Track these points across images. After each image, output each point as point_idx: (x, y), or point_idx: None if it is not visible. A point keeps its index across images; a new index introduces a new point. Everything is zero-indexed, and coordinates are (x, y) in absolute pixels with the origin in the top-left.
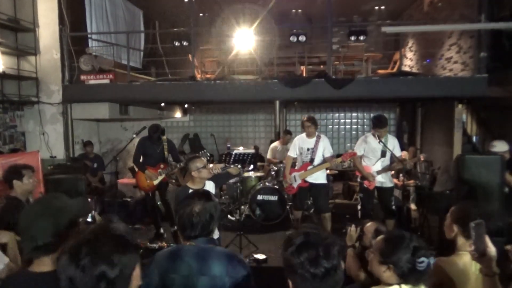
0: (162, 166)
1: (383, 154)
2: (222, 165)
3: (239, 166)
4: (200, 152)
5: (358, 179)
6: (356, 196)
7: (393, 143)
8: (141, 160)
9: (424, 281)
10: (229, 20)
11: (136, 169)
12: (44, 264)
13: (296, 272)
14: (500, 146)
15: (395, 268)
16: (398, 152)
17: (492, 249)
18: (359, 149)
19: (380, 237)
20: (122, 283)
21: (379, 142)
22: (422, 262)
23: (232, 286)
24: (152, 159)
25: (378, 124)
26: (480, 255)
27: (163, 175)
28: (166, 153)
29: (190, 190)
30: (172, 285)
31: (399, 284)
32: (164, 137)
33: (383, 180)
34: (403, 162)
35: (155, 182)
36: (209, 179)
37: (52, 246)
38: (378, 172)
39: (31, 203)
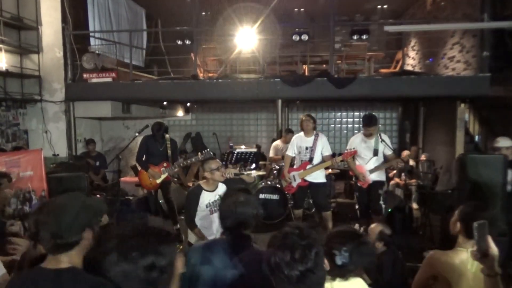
0: (165, 164)
1: (376, 153)
2: (236, 170)
3: (253, 175)
4: (204, 152)
5: (354, 179)
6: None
7: (386, 141)
8: (144, 159)
9: (343, 275)
10: (231, 19)
11: (139, 168)
12: (60, 261)
13: (274, 274)
14: (503, 142)
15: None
16: (389, 150)
17: (494, 249)
18: (350, 146)
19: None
20: (170, 270)
21: (381, 141)
22: (334, 254)
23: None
24: (155, 157)
25: (367, 123)
26: (482, 255)
27: (166, 174)
28: (169, 152)
29: (203, 191)
30: (203, 276)
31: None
32: (168, 136)
33: (376, 178)
34: (397, 159)
35: (158, 181)
36: (222, 182)
37: (74, 243)
38: (371, 171)
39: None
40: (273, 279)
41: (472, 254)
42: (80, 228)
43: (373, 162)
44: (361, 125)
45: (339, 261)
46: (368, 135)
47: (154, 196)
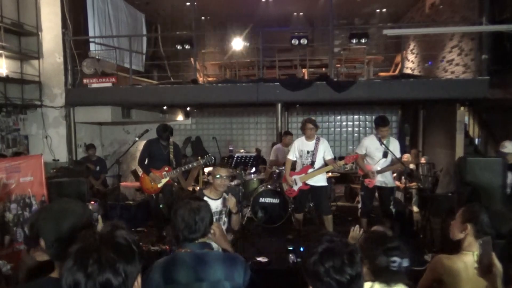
0: (166, 168)
1: (385, 155)
2: (234, 200)
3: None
4: (205, 156)
5: (360, 178)
6: (359, 199)
7: (393, 146)
8: (146, 162)
9: (399, 281)
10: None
11: (139, 172)
12: None
13: (321, 280)
14: (510, 147)
15: (369, 265)
16: (397, 154)
17: (498, 266)
18: (360, 149)
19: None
20: None
21: (381, 144)
22: (394, 262)
23: None
24: (158, 161)
25: (379, 123)
26: (486, 271)
27: (167, 178)
28: (171, 156)
29: (205, 198)
30: None
31: (372, 281)
32: (171, 140)
33: (384, 179)
34: (402, 163)
35: (159, 185)
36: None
37: None
38: (378, 172)
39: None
40: (317, 287)
41: (477, 271)
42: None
43: (382, 164)
44: (360, 128)
45: (396, 266)
46: (381, 136)
47: (155, 200)
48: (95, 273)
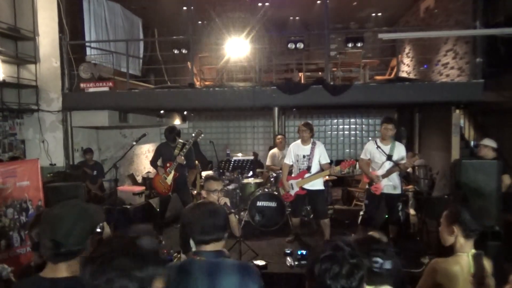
0: (168, 164)
1: (389, 158)
2: (227, 199)
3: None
4: (195, 132)
5: (367, 186)
6: (356, 202)
7: (398, 150)
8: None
9: (383, 283)
10: (225, 28)
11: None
12: (59, 270)
13: (315, 281)
14: (485, 141)
15: None
16: (402, 159)
17: (490, 279)
18: (364, 154)
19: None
20: None
21: (377, 148)
22: (376, 262)
23: None
24: (166, 162)
25: (382, 120)
26: (479, 284)
27: (172, 172)
28: (176, 151)
29: None
30: None
31: None
32: (180, 140)
33: (392, 183)
34: (400, 165)
35: (168, 181)
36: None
37: (75, 252)
38: (383, 176)
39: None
40: (310, 283)
41: (470, 282)
42: (84, 236)
43: (386, 167)
44: (357, 132)
45: (377, 267)
46: (383, 135)
47: (167, 199)
48: (113, 280)
